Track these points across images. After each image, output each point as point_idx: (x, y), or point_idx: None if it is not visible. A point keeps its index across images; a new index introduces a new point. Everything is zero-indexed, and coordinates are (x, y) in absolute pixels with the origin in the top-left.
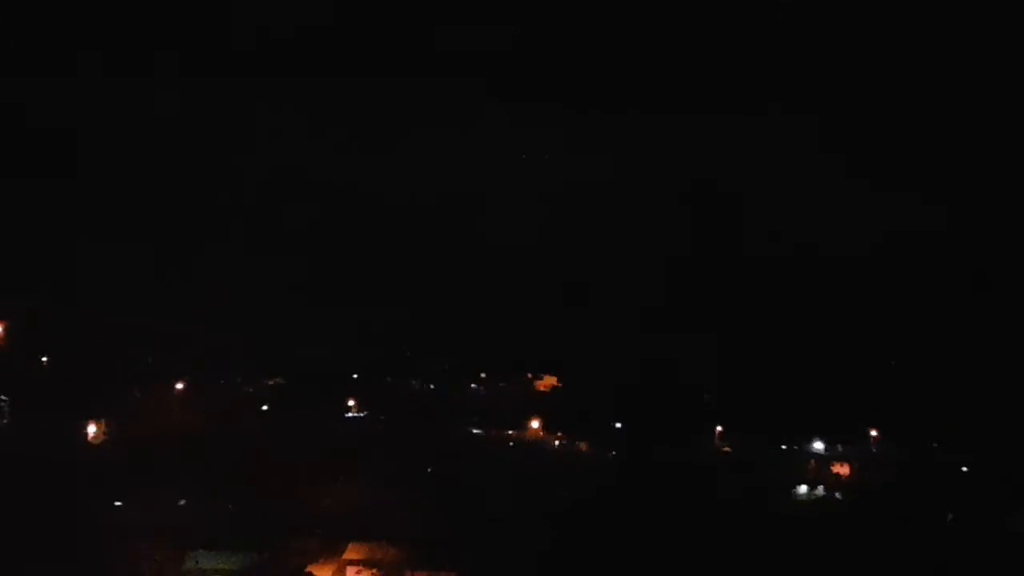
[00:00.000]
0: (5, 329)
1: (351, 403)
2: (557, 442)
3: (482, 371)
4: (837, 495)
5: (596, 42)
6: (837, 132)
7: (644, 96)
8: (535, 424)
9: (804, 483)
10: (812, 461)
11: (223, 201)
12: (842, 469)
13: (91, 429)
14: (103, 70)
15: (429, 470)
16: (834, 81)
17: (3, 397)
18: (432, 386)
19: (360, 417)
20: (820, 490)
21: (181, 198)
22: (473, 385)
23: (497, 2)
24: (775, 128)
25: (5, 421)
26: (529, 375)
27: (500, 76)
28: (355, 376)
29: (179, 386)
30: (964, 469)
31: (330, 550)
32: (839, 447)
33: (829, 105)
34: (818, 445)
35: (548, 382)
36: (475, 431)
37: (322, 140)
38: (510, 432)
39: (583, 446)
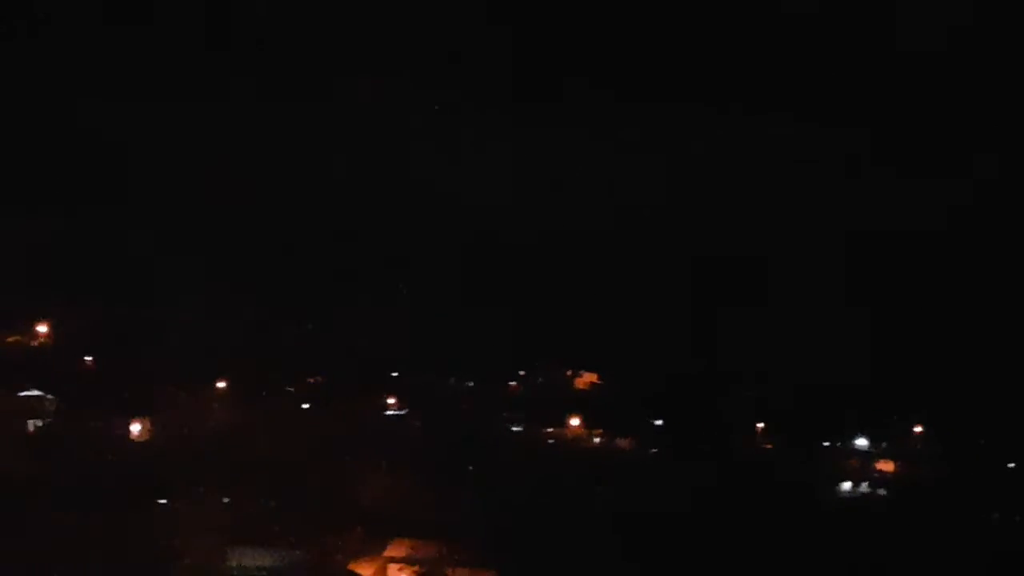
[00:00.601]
0: (51, 328)
1: (391, 401)
2: (597, 439)
3: (521, 368)
4: (881, 492)
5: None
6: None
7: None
8: (575, 422)
9: (847, 480)
10: (855, 458)
11: (262, 200)
12: (886, 466)
13: (136, 427)
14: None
15: (469, 468)
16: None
17: (50, 396)
18: (471, 384)
19: (400, 415)
20: (864, 487)
21: (223, 196)
22: (512, 383)
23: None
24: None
25: (51, 420)
26: (569, 372)
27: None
28: (394, 374)
29: (220, 385)
30: (1011, 466)
31: (372, 547)
32: (883, 443)
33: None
34: (861, 442)
35: (588, 379)
36: (514, 428)
37: (352, 135)
38: (550, 429)
39: (624, 443)
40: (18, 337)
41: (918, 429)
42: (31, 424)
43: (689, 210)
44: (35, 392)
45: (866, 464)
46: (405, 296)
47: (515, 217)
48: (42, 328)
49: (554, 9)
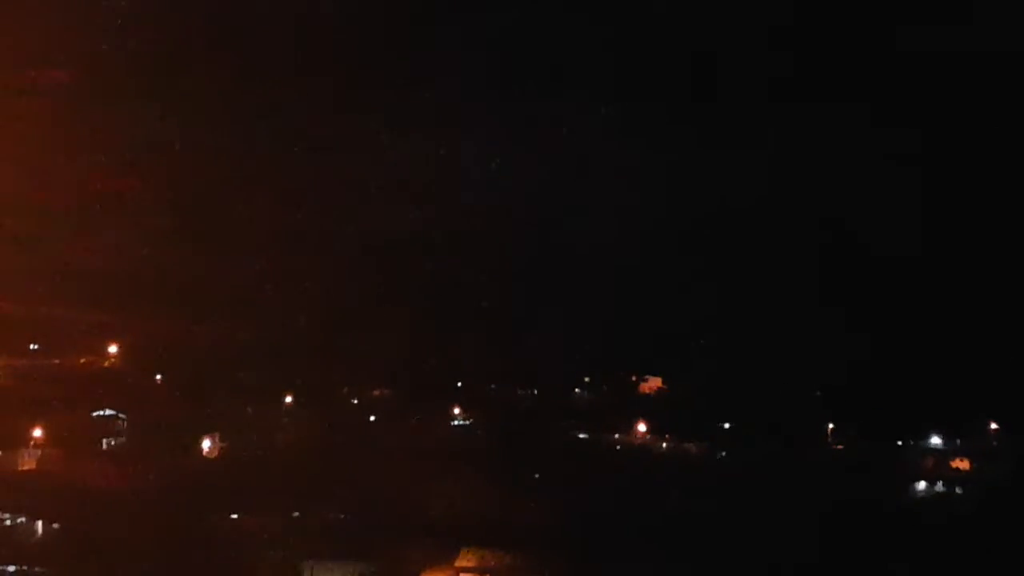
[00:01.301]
0: (122, 348)
1: (456, 411)
2: (664, 444)
3: (586, 375)
4: (957, 490)
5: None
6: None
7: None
8: (642, 427)
9: (922, 480)
10: (929, 457)
11: (319, 214)
12: (961, 464)
13: (206, 444)
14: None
15: (536, 476)
16: None
17: (121, 415)
18: (536, 392)
19: (466, 424)
20: (939, 486)
21: (285, 210)
22: (577, 390)
23: None
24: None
25: (123, 439)
26: (633, 378)
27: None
28: (459, 384)
29: (288, 399)
30: None
31: (442, 557)
32: (957, 441)
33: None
34: (935, 440)
35: (653, 384)
36: (581, 435)
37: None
38: (616, 436)
39: (692, 448)
40: (91, 358)
41: (993, 425)
42: (104, 443)
43: (751, 210)
44: (108, 412)
45: (941, 463)
46: (469, 306)
47: (575, 222)
48: (113, 348)
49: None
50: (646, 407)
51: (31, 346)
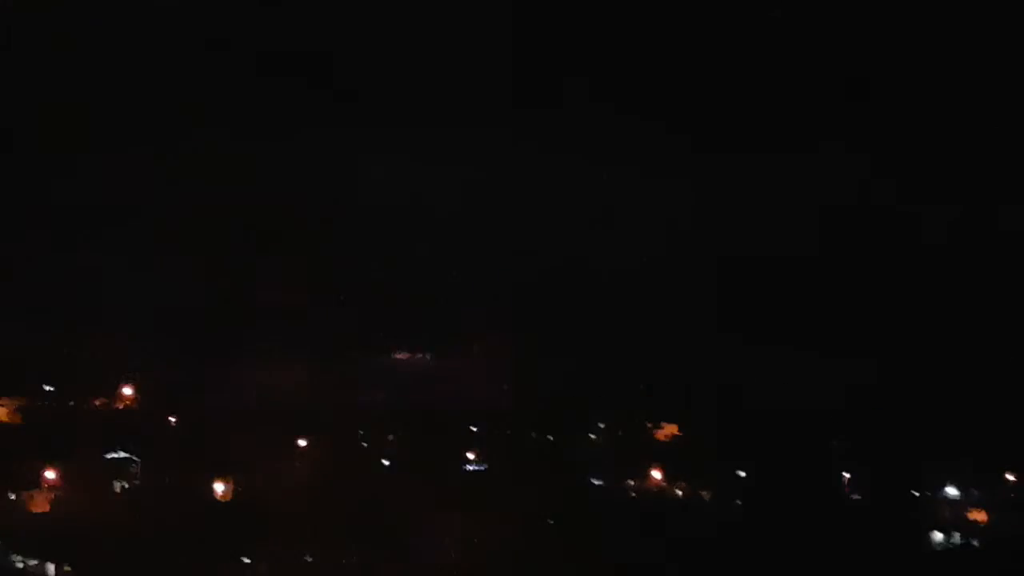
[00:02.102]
0: (135, 391)
1: (471, 456)
2: (680, 492)
3: (600, 422)
4: (975, 543)
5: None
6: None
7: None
8: (657, 474)
9: (939, 531)
10: (946, 507)
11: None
12: (978, 515)
13: (219, 487)
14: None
15: (551, 521)
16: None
17: (135, 458)
18: (550, 437)
19: (481, 469)
20: (956, 538)
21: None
22: (592, 436)
23: None
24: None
25: (137, 482)
26: (649, 424)
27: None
28: (473, 428)
29: (301, 443)
30: None
31: None
32: (974, 492)
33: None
34: (951, 491)
35: (668, 431)
36: (595, 482)
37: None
38: (631, 482)
39: (706, 495)
40: (104, 400)
41: (1010, 477)
42: (117, 486)
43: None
44: (121, 454)
45: (957, 513)
46: (480, 349)
47: (586, 263)
48: (127, 391)
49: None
50: (661, 454)
51: (45, 387)
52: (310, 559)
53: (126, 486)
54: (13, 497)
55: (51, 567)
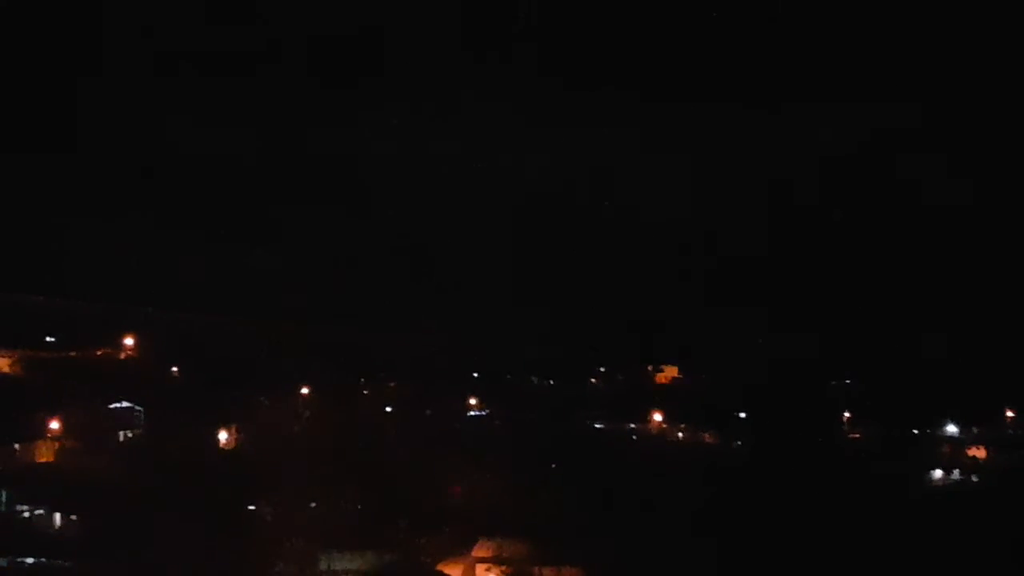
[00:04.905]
0: (137, 341)
1: (472, 401)
2: (681, 434)
3: (601, 365)
4: (974, 478)
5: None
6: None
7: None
8: (657, 417)
9: (939, 468)
10: (946, 445)
11: (346, 203)
12: (978, 452)
13: (223, 435)
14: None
15: (553, 465)
16: None
17: (138, 407)
18: (551, 382)
19: (482, 415)
20: (956, 474)
21: (303, 202)
22: (592, 380)
23: None
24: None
25: (140, 431)
26: (649, 367)
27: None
28: (475, 375)
29: (303, 390)
30: None
31: (459, 548)
32: (974, 430)
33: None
34: (952, 428)
35: (669, 374)
36: (597, 425)
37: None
38: (632, 425)
39: (707, 437)
40: (107, 350)
41: (1010, 414)
42: (122, 435)
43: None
44: (125, 404)
45: (957, 451)
46: (485, 297)
47: (589, 214)
48: (129, 341)
49: None
50: (662, 397)
51: (47, 338)
52: (314, 504)
53: (130, 435)
54: (18, 447)
55: (56, 516)
